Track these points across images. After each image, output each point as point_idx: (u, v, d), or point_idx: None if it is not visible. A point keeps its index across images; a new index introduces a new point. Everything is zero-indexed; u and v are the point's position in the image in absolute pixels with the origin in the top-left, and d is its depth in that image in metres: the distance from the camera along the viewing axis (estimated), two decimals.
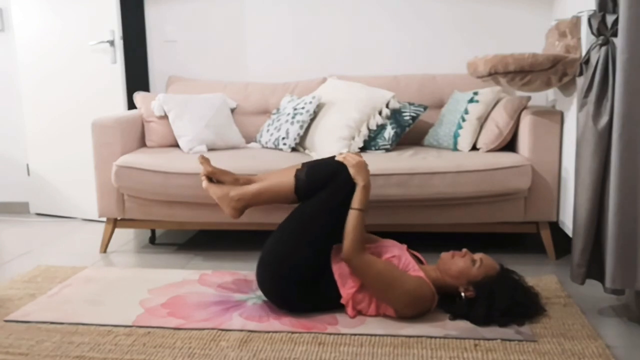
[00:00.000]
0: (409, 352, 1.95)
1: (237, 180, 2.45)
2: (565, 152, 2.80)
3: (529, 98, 3.00)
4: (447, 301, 2.21)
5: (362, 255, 2.14)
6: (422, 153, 3.04)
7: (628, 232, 2.06)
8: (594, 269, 2.23)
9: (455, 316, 2.18)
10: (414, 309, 2.16)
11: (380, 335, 2.07)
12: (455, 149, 3.10)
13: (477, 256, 2.23)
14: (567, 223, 2.73)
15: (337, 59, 3.73)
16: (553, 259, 2.90)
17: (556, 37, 2.86)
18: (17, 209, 4.11)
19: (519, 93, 3.24)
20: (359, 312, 2.22)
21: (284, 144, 3.22)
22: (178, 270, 2.82)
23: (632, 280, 2.09)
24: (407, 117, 3.18)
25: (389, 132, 3.14)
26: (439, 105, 3.40)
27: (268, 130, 3.36)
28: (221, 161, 2.97)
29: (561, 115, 2.83)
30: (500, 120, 2.99)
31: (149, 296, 2.47)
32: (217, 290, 2.52)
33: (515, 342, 2.00)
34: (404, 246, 2.35)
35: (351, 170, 2.24)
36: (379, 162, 2.87)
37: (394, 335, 2.06)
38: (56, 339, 2.09)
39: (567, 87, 2.79)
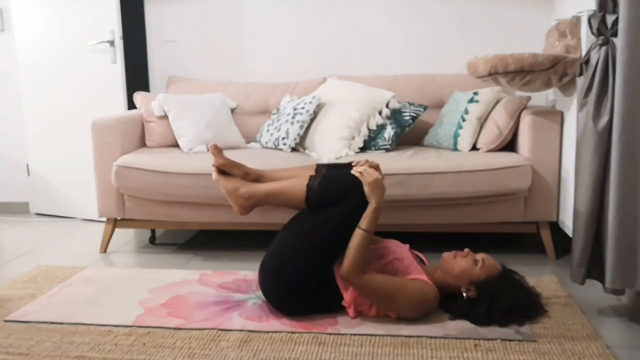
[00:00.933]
0: (409, 352, 1.95)
1: (248, 174, 2.38)
2: (565, 152, 2.80)
3: (529, 98, 3.00)
4: (447, 301, 2.21)
5: (360, 276, 2.11)
6: (422, 153, 3.04)
7: (628, 232, 2.06)
8: (594, 269, 2.23)
9: (455, 316, 2.18)
10: (417, 313, 2.16)
11: (380, 335, 2.07)
12: (455, 149, 3.10)
13: (479, 256, 2.23)
14: (567, 223, 2.73)
15: (337, 59, 3.73)
16: (553, 259, 2.90)
17: (556, 37, 2.86)
18: (17, 209, 4.11)
19: (519, 93, 3.23)
20: (360, 313, 2.22)
21: (284, 144, 3.22)
22: (178, 270, 2.82)
23: (632, 280, 2.09)
24: (407, 117, 3.18)
25: (389, 132, 3.14)
26: (439, 105, 3.40)
27: (268, 130, 3.36)
28: None
29: (561, 115, 2.83)
30: (500, 120, 2.99)
31: (149, 296, 2.47)
32: (217, 290, 2.52)
33: (515, 342, 1.99)
34: (407, 246, 2.34)
35: (366, 189, 2.14)
36: (379, 162, 2.86)
37: (394, 335, 2.06)
38: (56, 339, 2.09)
39: (567, 87, 2.79)
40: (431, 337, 2.04)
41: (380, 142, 3.14)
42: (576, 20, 2.71)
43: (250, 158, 3.03)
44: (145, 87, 3.88)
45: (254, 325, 2.16)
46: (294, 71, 3.73)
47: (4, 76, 4.03)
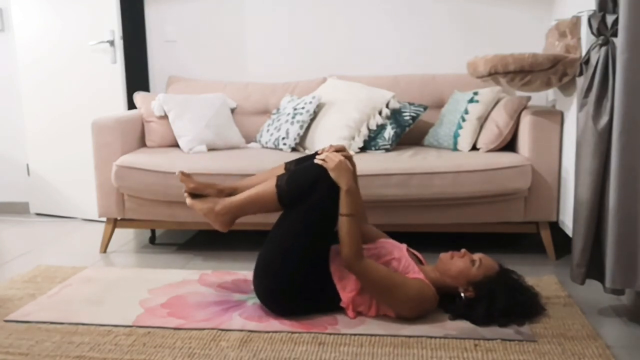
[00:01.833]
0: (409, 352, 1.95)
1: (222, 191, 2.38)
2: (565, 152, 2.80)
3: (529, 98, 3.00)
4: (447, 301, 2.21)
5: (362, 260, 2.12)
6: (422, 153, 3.04)
7: (628, 232, 2.06)
8: (594, 269, 2.23)
9: (455, 316, 2.18)
10: (415, 312, 2.16)
11: (380, 335, 2.07)
12: (455, 149, 3.10)
13: (477, 256, 2.23)
14: (567, 223, 2.73)
15: (337, 59, 3.73)
16: (553, 259, 2.90)
17: (556, 37, 2.86)
18: (17, 209, 4.11)
19: (519, 93, 3.23)
20: (359, 314, 2.22)
21: (284, 144, 3.22)
22: (178, 270, 2.82)
23: (632, 280, 2.09)
24: (407, 117, 3.18)
25: (389, 132, 3.14)
26: (439, 105, 3.40)
27: (268, 130, 3.36)
28: (221, 161, 2.98)
29: (561, 115, 2.83)
30: (500, 120, 2.99)
31: (149, 296, 2.47)
32: (217, 290, 2.52)
33: (515, 342, 1.99)
34: (404, 246, 2.34)
35: (332, 174, 2.15)
36: (379, 162, 2.88)
37: (394, 335, 2.06)
38: (56, 339, 2.09)
39: (567, 87, 2.79)
40: (431, 337, 2.04)
41: (380, 142, 3.14)
42: (576, 20, 2.71)
43: (250, 158, 3.04)
44: (145, 87, 3.88)
45: (254, 325, 2.16)
46: (294, 71, 3.73)
47: (4, 76, 4.03)
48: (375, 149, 3.15)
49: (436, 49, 3.65)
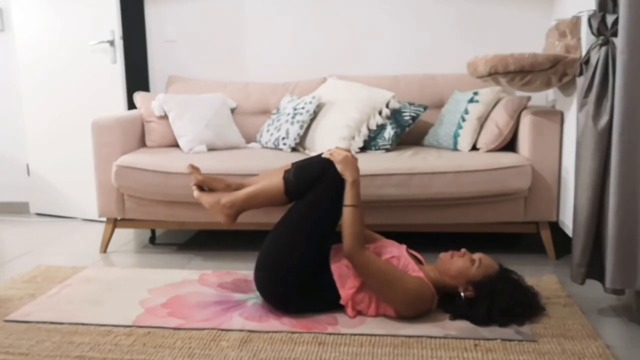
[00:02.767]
0: (409, 352, 1.95)
1: (229, 186, 2.44)
2: (565, 152, 2.80)
3: (529, 98, 3.00)
4: (447, 301, 2.21)
5: (363, 251, 2.14)
6: (422, 153, 3.04)
7: (628, 232, 2.06)
8: (594, 269, 2.23)
9: (455, 316, 2.18)
10: (413, 310, 2.16)
11: (380, 335, 2.07)
12: (455, 149, 3.10)
13: (476, 256, 2.23)
14: (567, 223, 2.73)
15: (337, 59, 3.73)
16: (553, 259, 2.90)
17: (556, 37, 2.86)
18: (17, 209, 4.11)
19: (519, 93, 3.23)
20: (359, 313, 2.22)
21: (284, 144, 3.22)
22: (178, 270, 2.82)
23: (632, 280, 2.09)
24: (407, 117, 3.18)
25: (389, 132, 3.14)
26: (439, 105, 3.40)
27: (268, 130, 3.36)
28: (221, 161, 2.98)
29: (561, 115, 2.83)
30: (500, 120, 2.99)
31: (149, 296, 2.47)
32: (217, 290, 2.52)
33: (515, 342, 2.00)
34: (403, 246, 2.35)
35: (338, 167, 2.22)
36: (379, 162, 2.87)
37: (394, 335, 2.06)
38: (56, 339, 2.09)
39: (567, 87, 2.79)
40: (431, 337, 2.04)
41: (380, 142, 3.14)
42: (576, 20, 2.71)
43: (250, 158, 3.04)
44: (145, 87, 3.88)
45: (254, 325, 2.16)
46: (294, 71, 3.74)
47: (4, 76, 4.03)
48: (375, 149, 3.15)
49: (436, 49, 3.65)
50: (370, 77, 3.48)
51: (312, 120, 3.24)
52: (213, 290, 2.52)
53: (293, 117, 3.24)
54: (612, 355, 1.91)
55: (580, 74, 2.28)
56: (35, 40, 3.79)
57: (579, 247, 2.23)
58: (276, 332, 2.10)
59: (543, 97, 3.40)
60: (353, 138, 3.12)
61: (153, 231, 3.39)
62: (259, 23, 3.79)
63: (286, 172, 2.30)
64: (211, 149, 3.30)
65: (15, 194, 4.13)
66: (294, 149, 3.24)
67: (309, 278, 2.20)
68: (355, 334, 2.08)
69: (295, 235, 2.21)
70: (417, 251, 2.42)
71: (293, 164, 2.40)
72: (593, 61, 2.18)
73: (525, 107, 2.97)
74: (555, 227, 2.93)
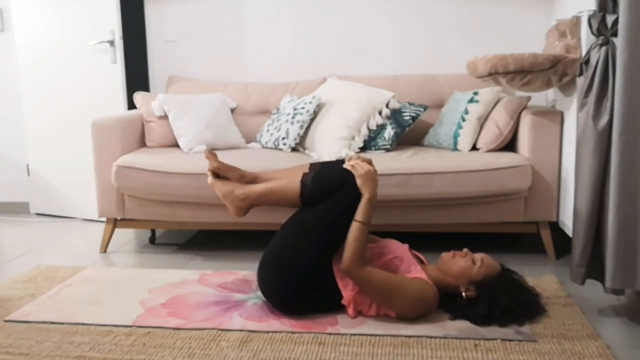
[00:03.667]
0: (409, 352, 1.95)
1: (243, 176, 2.42)
2: (565, 152, 2.80)
3: (529, 98, 3.00)
4: (447, 301, 2.21)
5: (360, 268, 2.12)
6: (422, 153, 3.04)
7: (628, 232, 2.06)
8: (594, 269, 2.23)
9: (455, 316, 2.18)
10: (417, 312, 2.16)
11: (380, 335, 2.07)
12: (455, 149, 3.10)
13: (478, 256, 2.23)
14: (567, 223, 2.73)
15: (337, 59, 3.73)
16: (553, 259, 2.90)
17: (556, 37, 2.86)
18: (17, 209, 4.11)
19: (519, 93, 3.24)
20: (360, 312, 2.22)
21: (284, 144, 3.22)
22: (178, 270, 2.82)
23: (632, 280, 2.09)
24: (407, 117, 3.18)
25: (389, 132, 3.14)
26: (439, 105, 3.40)
27: (268, 130, 3.36)
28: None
29: (561, 115, 2.83)
30: (500, 120, 2.99)
31: (149, 296, 2.47)
32: (217, 290, 2.52)
33: (515, 342, 1.99)
34: (406, 246, 2.35)
35: (358, 181, 2.18)
36: (379, 162, 2.85)
37: (394, 335, 2.06)
38: (56, 339, 2.09)
39: (567, 87, 2.79)
40: (431, 337, 2.04)
41: (380, 142, 3.14)
42: (576, 20, 2.71)
43: (250, 158, 3.04)
44: (145, 87, 3.88)
45: (254, 325, 2.16)
46: (294, 71, 3.73)
47: (4, 76, 4.03)
48: (375, 149, 3.15)
49: (436, 49, 3.65)
50: (370, 77, 3.48)
51: (312, 120, 3.24)
52: (213, 290, 2.52)
53: (293, 117, 3.24)
54: (612, 355, 1.91)
55: (580, 74, 2.28)
56: (35, 40, 3.79)
57: (579, 247, 2.23)
58: (276, 332, 2.10)
59: (543, 97, 3.40)
60: (353, 138, 3.12)
61: (153, 231, 3.39)
62: (259, 23, 3.79)
63: (305, 175, 2.26)
64: (211, 149, 3.29)
65: (15, 194, 4.13)
66: (294, 149, 3.24)
67: (312, 281, 2.19)
68: (355, 334, 2.08)
69: (304, 238, 2.20)
70: (418, 251, 2.42)
71: (312, 165, 2.38)
72: (593, 61, 2.18)
73: (525, 107, 2.97)
74: (555, 227, 2.93)
